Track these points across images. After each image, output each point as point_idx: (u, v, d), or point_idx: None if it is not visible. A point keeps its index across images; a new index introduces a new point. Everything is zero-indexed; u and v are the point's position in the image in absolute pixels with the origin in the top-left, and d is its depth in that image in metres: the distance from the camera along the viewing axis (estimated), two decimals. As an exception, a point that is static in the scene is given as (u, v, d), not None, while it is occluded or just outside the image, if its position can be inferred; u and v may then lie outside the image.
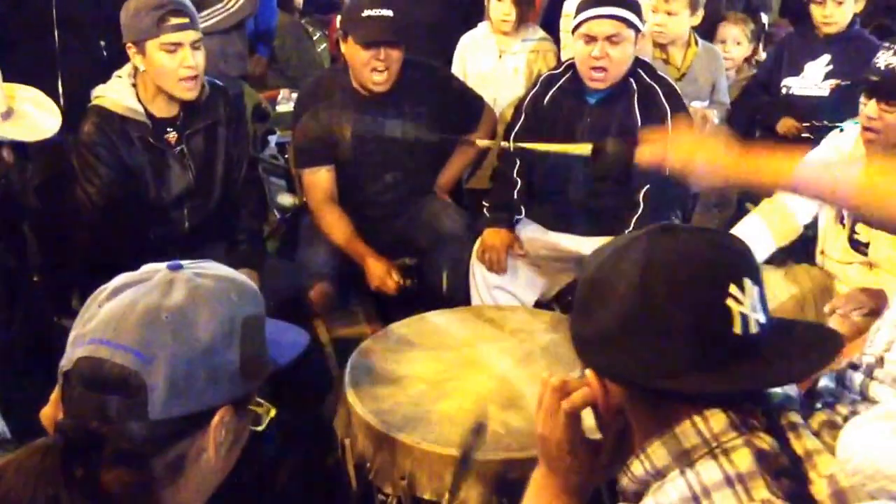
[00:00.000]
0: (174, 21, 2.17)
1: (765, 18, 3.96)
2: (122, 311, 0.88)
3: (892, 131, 2.03)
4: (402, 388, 1.84)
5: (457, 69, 3.11)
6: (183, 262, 0.95)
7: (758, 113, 3.18)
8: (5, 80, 2.17)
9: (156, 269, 0.94)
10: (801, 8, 3.20)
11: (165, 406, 0.86)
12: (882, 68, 2.02)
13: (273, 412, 0.97)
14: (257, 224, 2.55)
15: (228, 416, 0.91)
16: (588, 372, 0.93)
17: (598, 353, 0.90)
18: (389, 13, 2.47)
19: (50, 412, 0.92)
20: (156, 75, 2.22)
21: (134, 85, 2.28)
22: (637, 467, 0.88)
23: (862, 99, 2.08)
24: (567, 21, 3.13)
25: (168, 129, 2.32)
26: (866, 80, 2.07)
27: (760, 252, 2.28)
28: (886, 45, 2.07)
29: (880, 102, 2.02)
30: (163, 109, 2.30)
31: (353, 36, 2.49)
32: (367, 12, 2.47)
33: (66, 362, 0.89)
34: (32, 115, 2.14)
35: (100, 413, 0.86)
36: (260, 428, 0.97)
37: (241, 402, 0.93)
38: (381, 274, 2.48)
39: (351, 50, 2.52)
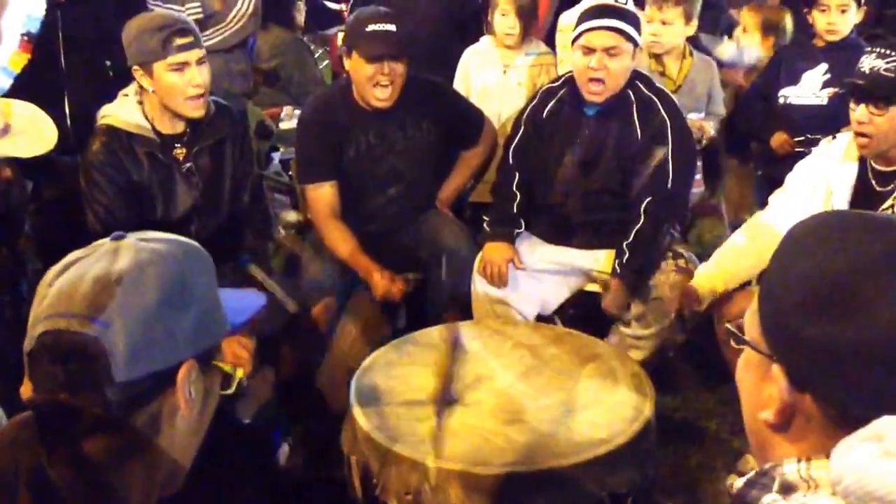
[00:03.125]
0: (179, 41, 2.20)
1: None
2: (73, 284, 0.91)
3: (883, 135, 2.05)
4: (406, 404, 1.86)
5: (460, 84, 3.14)
6: (126, 233, 0.98)
7: (754, 125, 3.20)
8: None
9: (101, 243, 0.97)
10: (796, 19, 3.22)
11: (128, 367, 0.89)
12: (867, 72, 2.03)
13: (241, 373, 1.00)
14: (263, 242, 2.58)
15: (194, 372, 0.94)
16: (777, 369, 0.79)
17: (820, 362, 0.76)
18: (393, 28, 2.52)
19: (27, 389, 0.94)
20: (164, 95, 2.25)
21: (140, 103, 2.31)
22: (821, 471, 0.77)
23: (851, 104, 2.10)
24: (563, 35, 3.16)
25: (176, 146, 2.35)
26: (853, 84, 2.08)
27: (746, 273, 2.30)
28: (869, 48, 2.09)
29: (869, 106, 2.03)
30: (169, 126, 2.33)
31: (358, 51, 2.53)
32: (370, 27, 2.51)
33: (28, 342, 0.92)
34: (29, 130, 2.15)
35: (67, 384, 0.88)
36: (230, 391, 1.00)
37: (204, 358, 0.96)
38: (385, 284, 2.51)
39: (355, 65, 2.55)
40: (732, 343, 0.86)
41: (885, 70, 2.01)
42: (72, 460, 0.86)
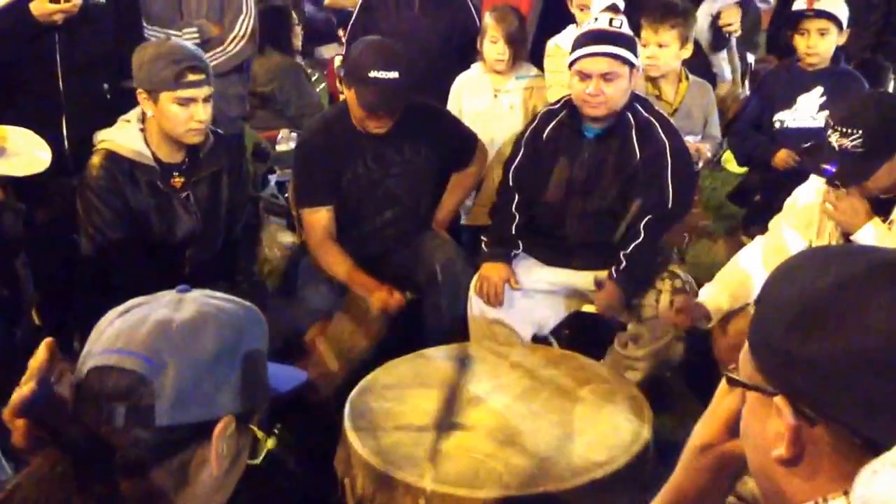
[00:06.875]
0: (192, 77, 2.21)
1: (751, 57, 4.01)
2: (135, 324, 0.92)
3: (873, 191, 2.07)
4: (401, 426, 1.84)
5: (452, 109, 3.14)
6: (191, 288, 1.00)
7: (753, 151, 3.20)
8: (10, 123, 2.21)
9: (164, 293, 0.99)
10: (788, 44, 3.25)
11: (172, 413, 0.89)
12: (836, 149, 2.02)
13: (270, 443, 1.00)
14: (249, 264, 2.59)
15: (231, 428, 0.94)
16: (779, 400, 0.78)
17: (820, 381, 0.75)
18: (396, 75, 2.44)
19: (8, 414, 0.92)
20: (164, 124, 2.26)
21: (142, 130, 2.32)
22: None
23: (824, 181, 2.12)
24: (551, 60, 3.18)
25: (174, 174, 2.36)
26: (829, 178, 2.08)
27: (751, 293, 2.29)
28: (831, 127, 2.05)
29: (848, 185, 2.06)
30: (169, 155, 2.35)
31: (356, 94, 2.48)
32: (373, 73, 2.43)
33: (76, 375, 0.92)
34: (24, 151, 2.18)
35: (108, 421, 0.89)
36: (257, 461, 0.99)
37: (243, 418, 0.96)
38: (383, 297, 2.50)
39: (353, 99, 2.53)
40: (728, 387, 0.86)
41: (853, 147, 2.00)
42: (102, 499, 0.86)
